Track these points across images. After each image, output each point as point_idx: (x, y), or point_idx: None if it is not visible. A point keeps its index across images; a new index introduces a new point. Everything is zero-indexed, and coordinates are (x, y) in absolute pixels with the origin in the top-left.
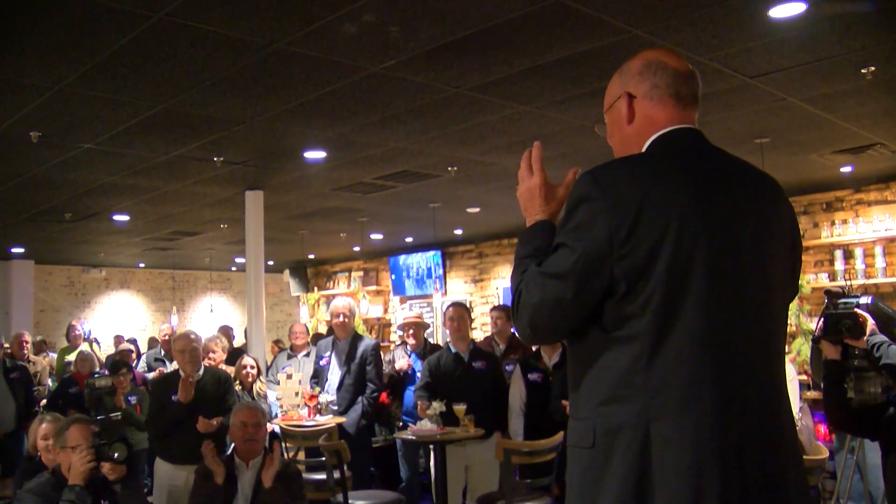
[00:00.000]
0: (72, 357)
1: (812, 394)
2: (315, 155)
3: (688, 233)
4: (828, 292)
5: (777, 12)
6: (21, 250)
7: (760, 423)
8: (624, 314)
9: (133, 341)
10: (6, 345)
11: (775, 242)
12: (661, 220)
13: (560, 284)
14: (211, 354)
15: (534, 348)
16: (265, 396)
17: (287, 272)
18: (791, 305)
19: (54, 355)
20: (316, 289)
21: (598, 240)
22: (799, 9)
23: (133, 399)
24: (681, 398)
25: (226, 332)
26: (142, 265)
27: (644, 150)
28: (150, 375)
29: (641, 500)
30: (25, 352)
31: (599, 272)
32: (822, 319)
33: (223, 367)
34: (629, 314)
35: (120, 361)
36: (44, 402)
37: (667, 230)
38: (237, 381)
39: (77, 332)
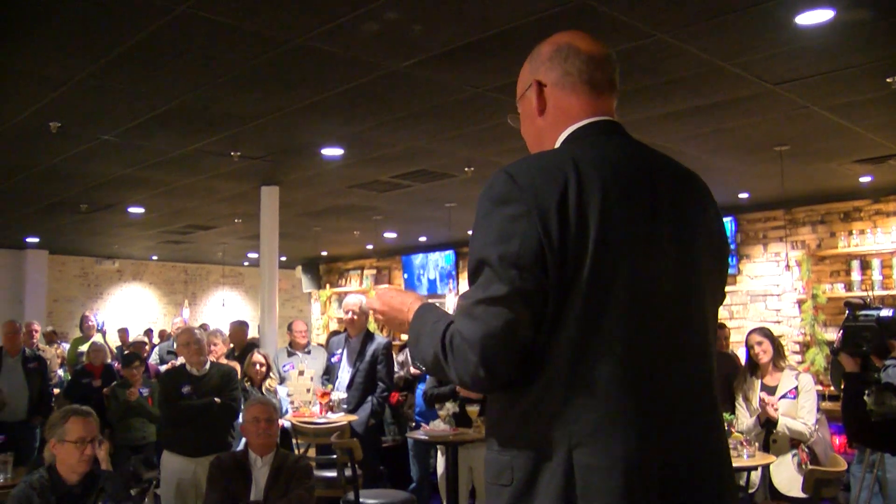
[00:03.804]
0: (85, 348)
1: (828, 404)
2: (332, 152)
3: (612, 236)
4: (847, 303)
5: (804, 19)
6: (36, 240)
7: (694, 442)
8: (543, 331)
9: (149, 332)
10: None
11: (704, 244)
12: (583, 223)
13: (504, 309)
14: (212, 347)
15: None
16: (275, 392)
17: (300, 268)
18: (806, 315)
19: (66, 346)
20: (328, 286)
21: (528, 248)
22: (826, 16)
23: (145, 391)
24: (603, 421)
25: (240, 327)
26: (155, 258)
27: (558, 144)
28: (163, 368)
29: None
30: (35, 341)
31: (538, 282)
32: (842, 331)
33: (224, 360)
34: (549, 328)
35: (133, 354)
36: (57, 391)
37: (589, 234)
38: (247, 378)
39: (90, 323)
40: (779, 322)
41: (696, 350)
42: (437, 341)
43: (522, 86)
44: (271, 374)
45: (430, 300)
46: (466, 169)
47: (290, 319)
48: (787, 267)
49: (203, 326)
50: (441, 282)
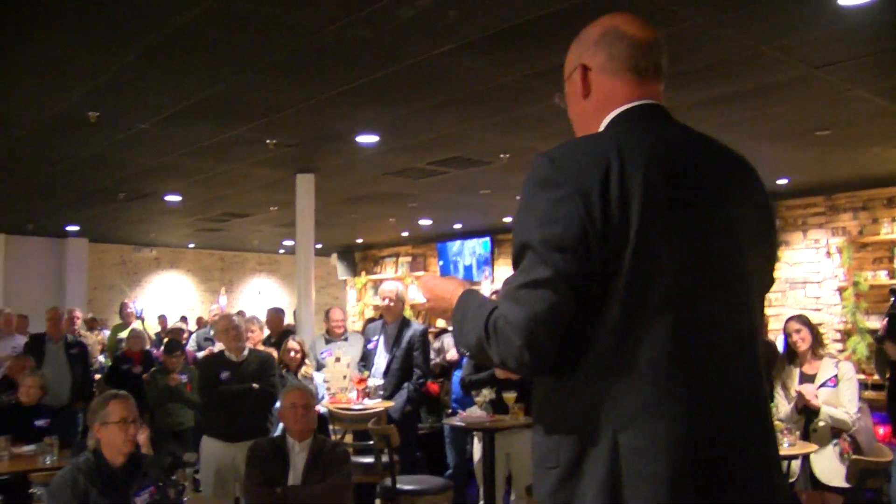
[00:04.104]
0: (124, 334)
1: (871, 393)
2: (367, 139)
3: (655, 219)
4: (893, 291)
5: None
6: (76, 228)
7: (741, 426)
8: (586, 314)
9: (184, 319)
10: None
11: (751, 228)
12: (626, 206)
13: (548, 292)
14: (249, 334)
15: None
16: (311, 379)
17: (335, 256)
18: (847, 303)
19: (107, 332)
20: (363, 273)
21: (571, 231)
22: None
23: (184, 377)
24: (648, 404)
25: (277, 314)
26: (191, 245)
27: (603, 127)
28: (200, 354)
29: None
30: (76, 328)
31: (582, 264)
32: (887, 319)
33: (261, 347)
34: (593, 311)
35: (175, 342)
36: (98, 377)
37: (632, 217)
38: (282, 364)
39: (130, 310)
40: (818, 310)
41: (741, 333)
42: (480, 326)
43: (569, 68)
44: (307, 360)
45: (472, 286)
46: (502, 155)
47: (326, 306)
48: (828, 254)
49: (240, 313)
50: (477, 269)
